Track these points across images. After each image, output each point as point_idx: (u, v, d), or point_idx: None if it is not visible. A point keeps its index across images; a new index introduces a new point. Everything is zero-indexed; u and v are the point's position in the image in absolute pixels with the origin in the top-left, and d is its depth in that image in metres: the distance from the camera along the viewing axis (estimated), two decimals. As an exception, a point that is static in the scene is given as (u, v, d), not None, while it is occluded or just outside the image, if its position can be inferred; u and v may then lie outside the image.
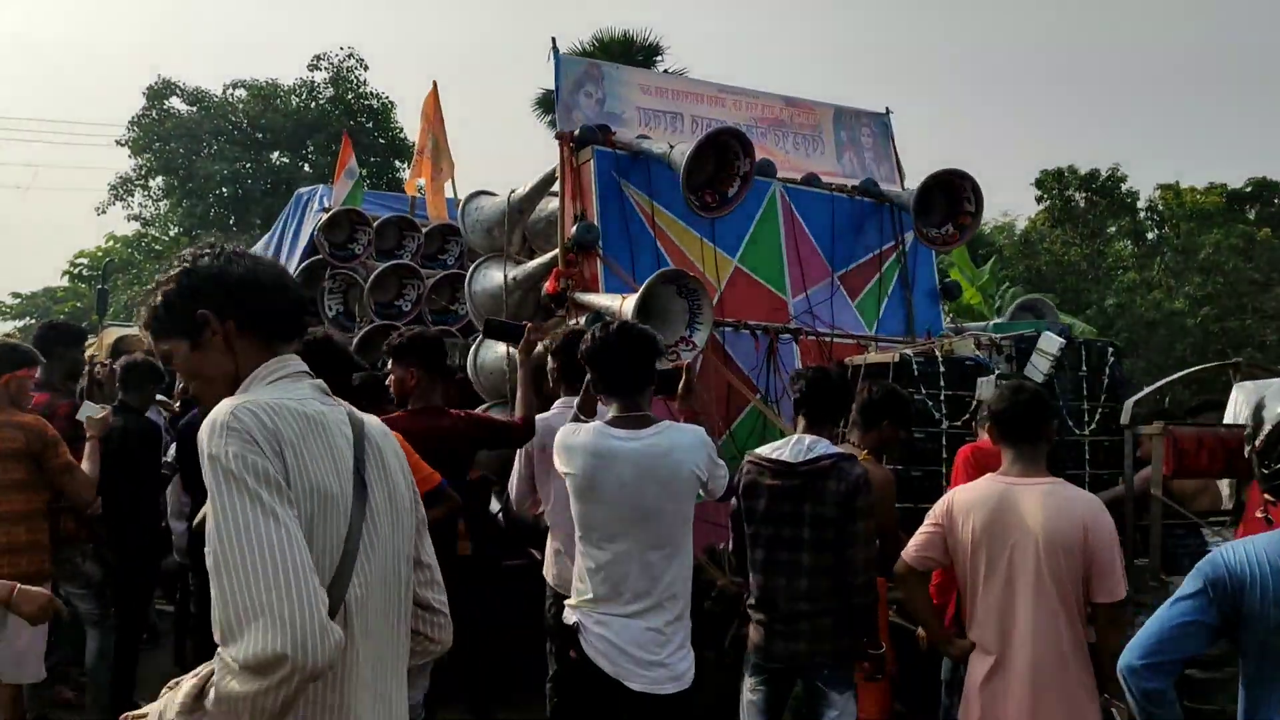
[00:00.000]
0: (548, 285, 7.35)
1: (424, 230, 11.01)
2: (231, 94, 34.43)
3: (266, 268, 2.17)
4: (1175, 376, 6.30)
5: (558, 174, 7.54)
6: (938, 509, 4.18)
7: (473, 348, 7.93)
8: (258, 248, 12.32)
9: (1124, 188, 36.01)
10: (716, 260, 7.65)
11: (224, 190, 32.86)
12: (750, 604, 4.67)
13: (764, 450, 4.75)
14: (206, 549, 1.78)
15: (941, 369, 6.05)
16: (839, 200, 8.47)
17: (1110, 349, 6.55)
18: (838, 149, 8.93)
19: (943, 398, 6.01)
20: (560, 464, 4.22)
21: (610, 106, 7.91)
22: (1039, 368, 6.25)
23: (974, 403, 6.09)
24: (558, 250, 7.36)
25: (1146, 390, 5.66)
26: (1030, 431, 3.93)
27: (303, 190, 11.57)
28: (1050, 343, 6.24)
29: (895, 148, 9.24)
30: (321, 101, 34.04)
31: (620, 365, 3.99)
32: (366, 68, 34.10)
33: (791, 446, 4.64)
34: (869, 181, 8.66)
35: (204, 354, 2.12)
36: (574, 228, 7.18)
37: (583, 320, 7.00)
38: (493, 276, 7.94)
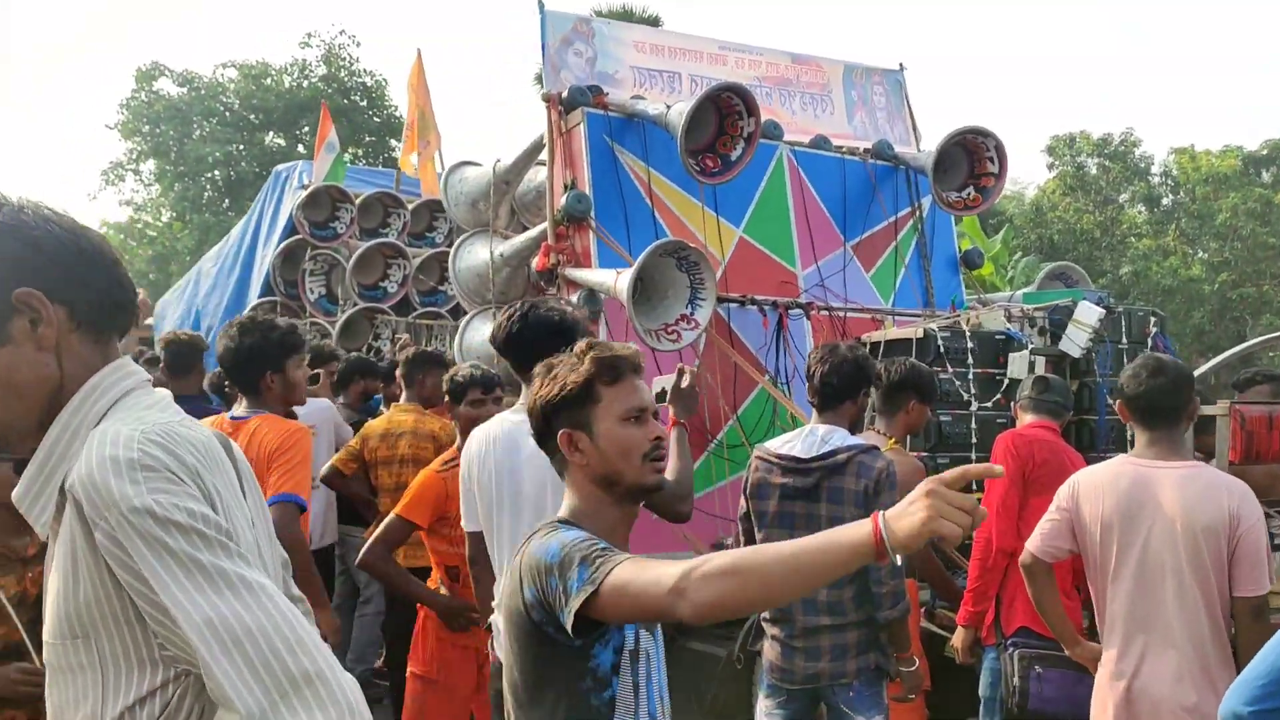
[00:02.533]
0: (537, 261, 6.76)
1: (410, 207, 10.45)
2: (222, 74, 33.80)
3: (92, 235, 1.58)
4: (1237, 350, 5.69)
5: (545, 140, 6.93)
6: (1062, 493, 3.71)
7: (458, 330, 7.35)
8: (235, 230, 11.75)
9: (1137, 152, 35.27)
10: (720, 230, 7.05)
11: (216, 173, 32.25)
12: (765, 619, 4.10)
13: (773, 444, 4.18)
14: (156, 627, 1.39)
15: (970, 344, 5.47)
16: (850, 164, 7.85)
17: (1154, 318, 5.95)
18: (848, 109, 8.31)
19: (971, 376, 5.42)
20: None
21: (602, 66, 7.30)
22: (1076, 341, 5.66)
23: (1005, 381, 5.50)
24: (547, 223, 6.76)
25: (1208, 365, 5.06)
26: (1171, 413, 3.52)
27: (281, 167, 10.99)
28: (1089, 313, 5.64)
29: (910, 107, 8.61)
30: (314, 80, 33.37)
31: (529, 355, 3.23)
32: (359, 44, 33.49)
33: (804, 439, 4.07)
34: (883, 143, 8.04)
35: (15, 353, 1.52)
36: (564, 197, 6.59)
37: (575, 297, 6.41)
38: (478, 253, 7.36)
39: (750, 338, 6.91)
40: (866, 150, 8.00)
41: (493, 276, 7.14)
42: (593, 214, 6.62)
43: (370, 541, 4.44)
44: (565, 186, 6.70)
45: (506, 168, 7.30)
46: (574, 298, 6.41)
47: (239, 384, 4.04)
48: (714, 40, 7.84)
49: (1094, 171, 34.99)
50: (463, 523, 3.85)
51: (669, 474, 3.35)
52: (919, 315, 7.58)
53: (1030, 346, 5.55)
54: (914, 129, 8.54)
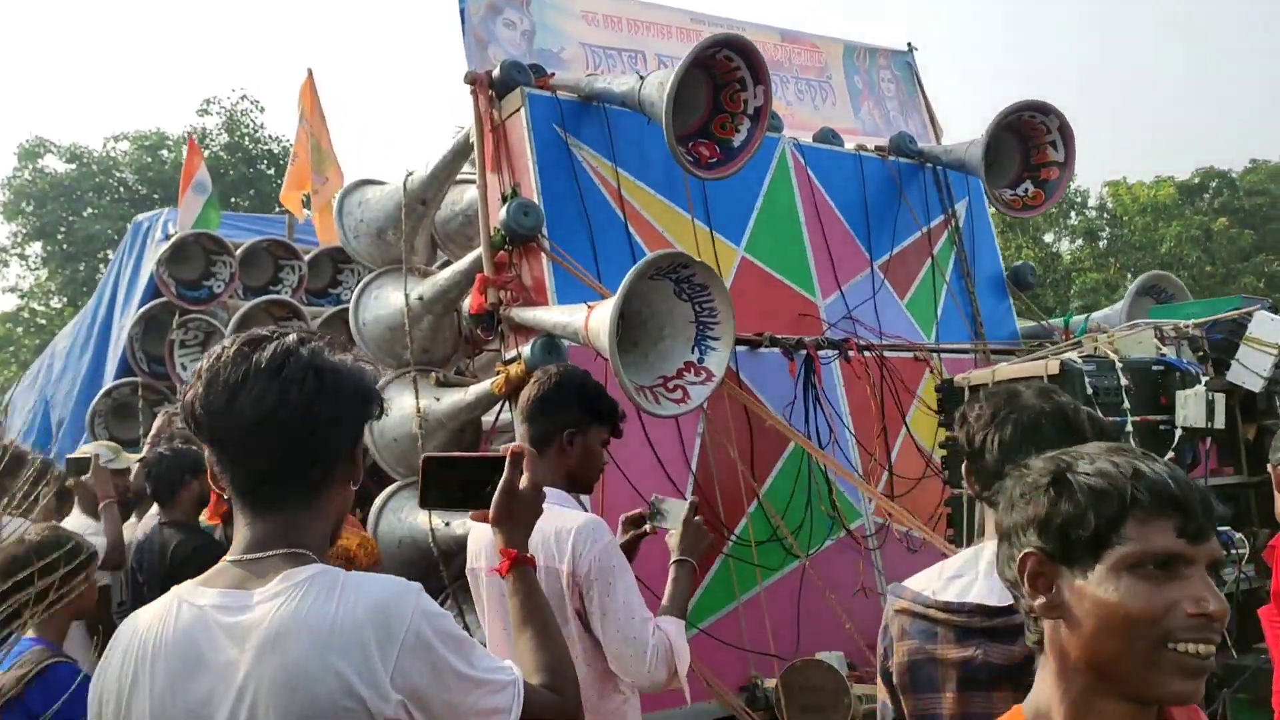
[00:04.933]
0: (470, 303, 4.84)
1: (307, 257, 8.47)
2: (113, 147, 31.44)
3: None
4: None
5: (474, 136, 5.05)
6: None
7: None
8: (91, 301, 9.61)
9: (1072, 186, 34.66)
10: (715, 249, 5.22)
11: (109, 252, 29.67)
12: None
13: (923, 583, 2.25)
14: None
15: (1122, 381, 3.65)
16: (869, 162, 6.10)
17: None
18: (852, 97, 6.58)
19: (1130, 426, 3.61)
20: None
21: (542, 41, 5.46)
22: (1253, 368, 3.90)
23: (1175, 430, 3.70)
24: (480, 249, 4.86)
25: None
26: None
27: (142, 217, 8.93)
28: (1270, 328, 3.89)
29: (925, 94, 6.92)
30: (215, 149, 31.16)
31: (247, 446, 1.63)
32: (263, 109, 31.37)
33: (984, 570, 2.15)
34: (903, 136, 6.32)
35: None
36: (502, 210, 4.70)
37: (526, 349, 4.50)
38: (389, 299, 5.41)
39: (768, 392, 5.05)
40: (881, 148, 6.27)
41: (409, 329, 5.19)
42: (544, 230, 4.73)
43: None
44: (504, 197, 4.82)
45: (421, 182, 5.39)
46: (525, 350, 4.50)
47: None
48: (685, 11, 6.08)
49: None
50: None
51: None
52: (972, 350, 5.81)
53: (1204, 379, 3.76)
54: (932, 120, 6.84)
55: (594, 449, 2.83)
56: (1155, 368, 3.76)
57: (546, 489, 2.73)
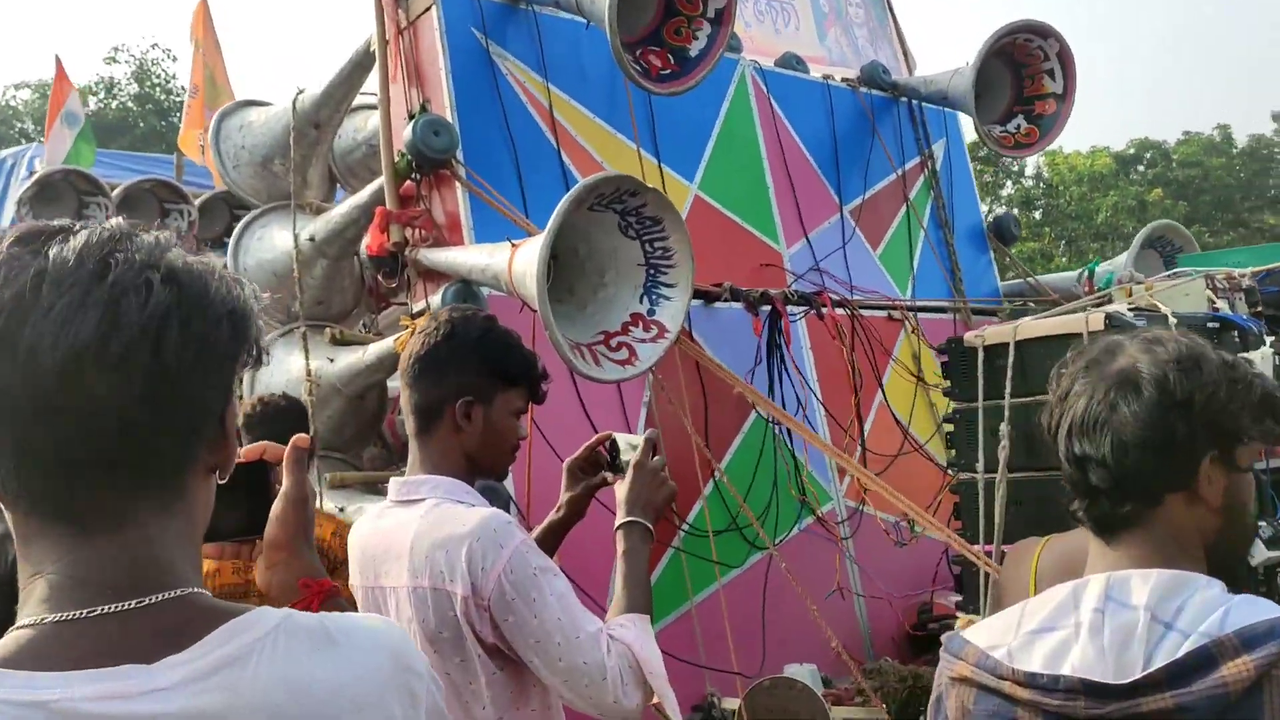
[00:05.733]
0: (368, 242, 3.98)
1: (198, 201, 7.47)
2: (14, 96, 29.60)
3: None
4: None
5: (374, 45, 4.16)
6: None
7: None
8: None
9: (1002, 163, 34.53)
10: (664, 184, 4.40)
11: (9, 207, 27.94)
12: None
13: (993, 640, 1.40)
14: None
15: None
16: (838, 92, 5.33)
17: None
18: (818, 22, 5.79)
19: (1182, 397, 2.88)
20: None
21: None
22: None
23: None
24: (383, 178, 3.99)
25: None
26: None
27: (5, 153, 7.84)
28: None
29: (897, 22, 6.16)
30: (124, 100, 29.45)
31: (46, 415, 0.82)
32: (175, 59, 29.69)
33: (1089, 623, 1.33)
34: (876, 66, 5.55)
35: None
36: (408, 129, 3.82)
37: (436, 299, 3.66)
38: (275, 240, 4.51)
39: (724, 354, 4.26)
40: (850, 80, 5.51)
41: (299, 275, 4.29)
42: (459, 155, 3.88)
43: None
44: (411, 115, 3.94)
45: (314, 102, 4.48)
46: (434, 299, 3.66)
47: None
48: (630, -90, 5.21)
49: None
50: None
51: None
52: (951, 308, 5.12)
53: (1269, 338, 3.07)
54: (905, 53, 6.08)
55: (501, 422, 2.03)
56: (1210, 324, 3.07)
57: (431, 481, 1.92)
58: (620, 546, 2.03)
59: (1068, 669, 1.24)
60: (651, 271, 3.38)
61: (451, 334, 2.01)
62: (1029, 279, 5.65)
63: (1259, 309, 3.29)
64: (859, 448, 4.64)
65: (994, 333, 3.15)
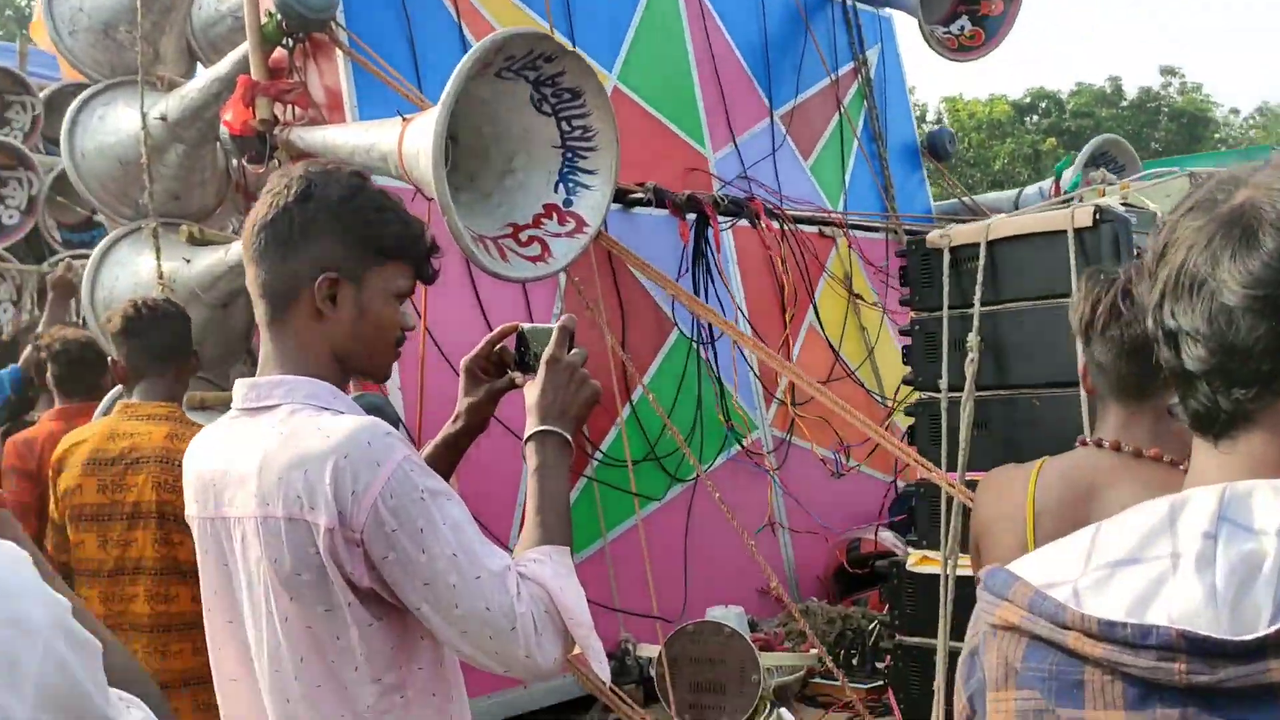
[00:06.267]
0: (229, 118, 3.37)
1: (44, 93, 6.67)
2: None
3: None
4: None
5: (240, -112, 3.51)
6: None
7: (88, 269, 3.83)
8: None
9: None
10: (581, 72, 3.87)
11: None
12: None
13: (1053, 575, 0.92)
14: None
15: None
16: (769, -15, 4.86)
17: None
18: (748, -88, 5.28)
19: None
20: None
21: None
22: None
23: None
24: (246, 44, 3.37)
25: None
26: None
27: None
28: None
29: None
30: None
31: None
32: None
33: (1196, 555, 0.89)
34: (807, -41, 5.08)
35: None
36: (279, -16, 3.21)
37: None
38: (120, 121, 3.84)
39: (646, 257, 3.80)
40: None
41: (148, 162, 3.65)
42: (340, 18, 3.30)
43: None
44: (283, -30, 3.32)
45: (169, -41, 3.80)
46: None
47: None
48: None
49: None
50: None
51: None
52: (884, 228, 4.77)
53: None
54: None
55: (377, 307, 1.56)
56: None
57: (288, 383, 1.53)
58: (531, 462, 1.58)
59: (1161, 617, 0.82)
60: (569, 155, 2.88)
61: (307, 193, 1.50)
62: (965, 198, 5.31)
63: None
64: (781, 382, 4.26)
65: (962, 232, 2.75)
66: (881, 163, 5.08)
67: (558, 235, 2.82)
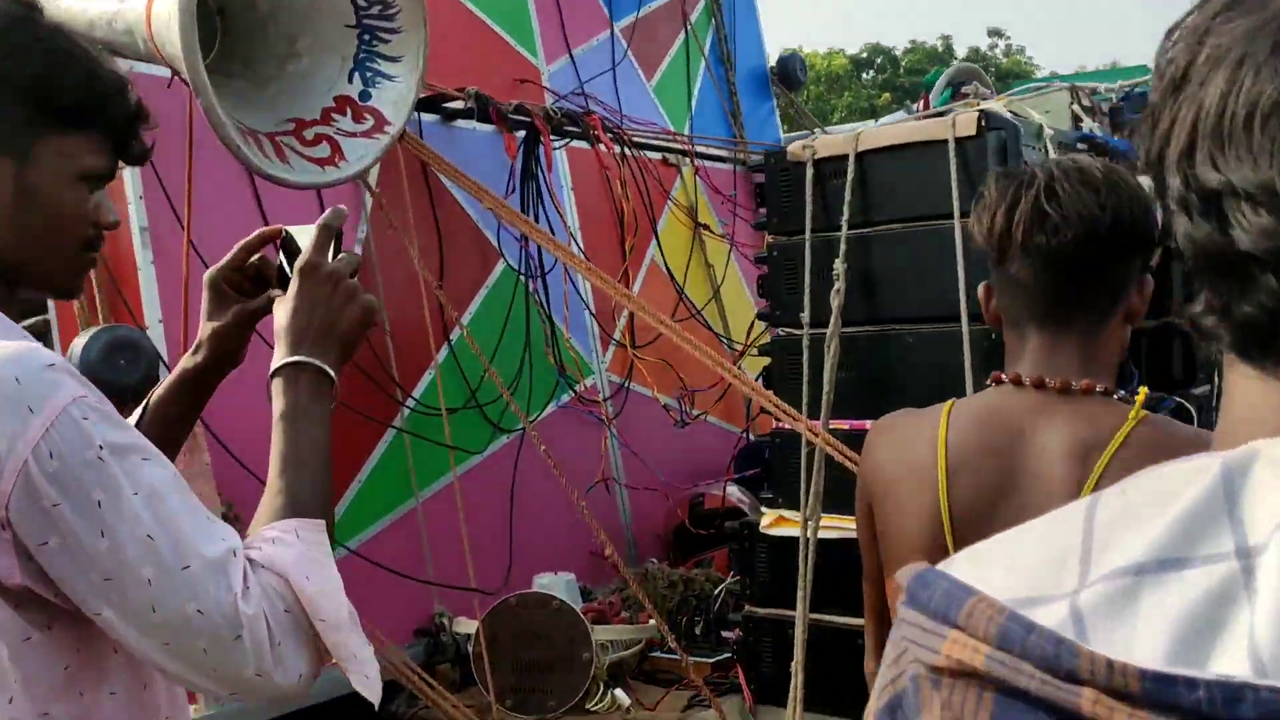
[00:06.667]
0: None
1: None
2: None
3: None
4: None
5: None
6: None
7: None
8: None
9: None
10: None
11: None
12: None
13: (1032, 588, 0.53)
14: None
15: (1052, 156, 2.27)
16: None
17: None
18: None
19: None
20: None
21: None
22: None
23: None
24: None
25: None
26: None
27: None
28: None
29: None
30: None
31: None
32: None
33: (1274, 542, 0.50)
34: None
35: None
36: None
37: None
38: None
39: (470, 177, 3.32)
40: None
41: None
42: None
43: None
44: None
45: None
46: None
47: None
48: None
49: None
50: None
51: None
52: (732, 159, 4.43)
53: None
54: None
55: (50, 190, 1.10)
56: (1080, 146, 2.45)
57: None
58: (277, 404, 1.17)
59: (1240, 663, 0.45)
60: (366, 38, 2.37)
61: None
62: (816, 130, 5.00)
63: (1124, 135, 2.72)
64: (621, 318, 3.86)
65: (829, 143, 2.38)
66: (730, 88, 4.72)
67: (352, 135, 2.32)
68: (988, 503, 1.25)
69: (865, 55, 37.67)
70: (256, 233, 1.29)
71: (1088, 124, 2.56)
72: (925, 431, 1.30)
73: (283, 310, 1.19)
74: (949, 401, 1.33)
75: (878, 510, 1.33)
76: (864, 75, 36.67)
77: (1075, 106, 2.55)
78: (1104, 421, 1.23)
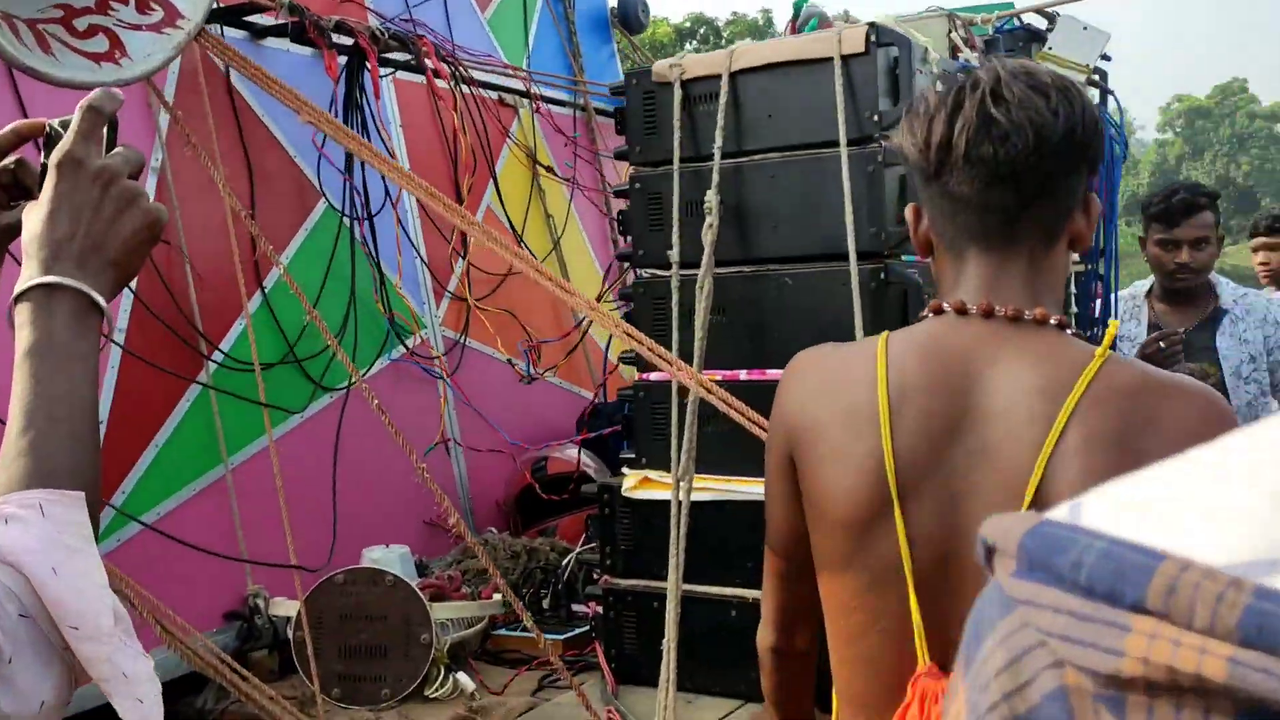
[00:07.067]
0: None
1: None
2: None
3: None
4: None
5: None
6: None
7: None
8: None
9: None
10: None
11: None
12: None
13: (1213, 541, 0.33)
14: None
15: (938, 85, 2.11)
16: None
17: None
18: None
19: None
20: None
21: None
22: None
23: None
24: None
25: None
26: None
27: None
28: (1080, 42, 2.62)
29: None
30: None
31: None
32: None
33: None
34: None
35: None
36: None
37: None
38: None
39: (278, 112, 2.94)
40: None
41: None
42: None
43: None
44: None
45: None
46: None
47: None
48: None
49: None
50: None
51: None
52: (573, 104, 4.19)
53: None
54: None
55: None
56: (960, 75, 2.31)
57: None
58: (21, 337, 0.83)
59: None
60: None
61: None
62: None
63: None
64: (461, 258, 3.55)
65: (699, 61, 2.15)
66: (570, 27, 4.43)
67: (135, 27, 1.92)
68: (937, 446, 1.06)
69: (689, 25, 38.01)
70: (10, 126, 0.96)
71: (966, 54, 2.43)
72: (858, 369, 1.10)
73: (34, 216, 0.87)
74: (882, 334, 1.13)
75: (802, 460, 1.12)
76: (687, 45, 37.04)
77: (954, 34, 2.41)
78: (1065, 356, 1.07)
